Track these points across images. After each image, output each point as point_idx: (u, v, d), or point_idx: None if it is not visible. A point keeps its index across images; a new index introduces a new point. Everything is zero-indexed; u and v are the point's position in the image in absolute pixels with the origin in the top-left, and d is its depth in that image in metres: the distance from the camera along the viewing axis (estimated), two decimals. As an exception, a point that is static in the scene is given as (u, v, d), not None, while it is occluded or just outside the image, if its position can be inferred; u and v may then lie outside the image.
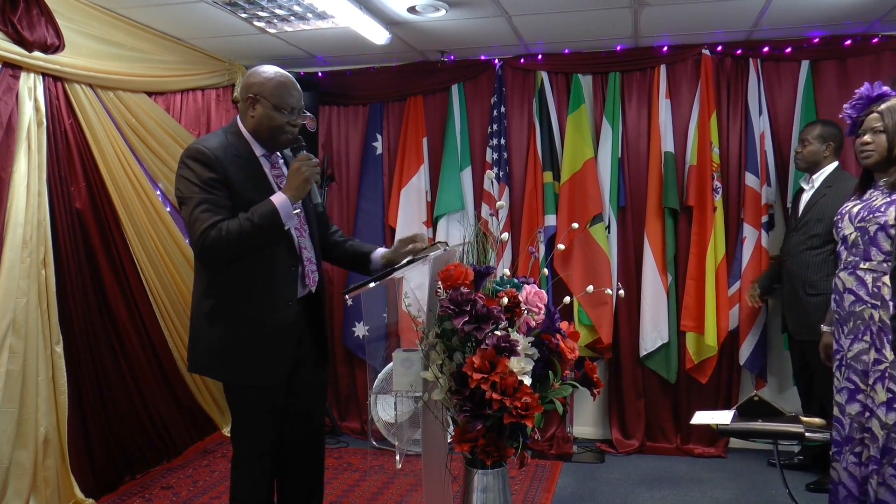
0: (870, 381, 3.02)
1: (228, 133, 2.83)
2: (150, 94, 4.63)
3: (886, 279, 2.98)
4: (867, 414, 3.02)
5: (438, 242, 2.90)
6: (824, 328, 3.51)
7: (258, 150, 2.84)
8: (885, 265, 2.99)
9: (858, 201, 3.17)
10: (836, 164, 4.35)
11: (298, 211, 2.83)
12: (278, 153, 2.94)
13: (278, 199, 2.69)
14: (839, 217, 3.24)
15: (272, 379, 2.82)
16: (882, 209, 3.01)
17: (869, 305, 3.04)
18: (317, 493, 3.12)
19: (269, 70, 2.83)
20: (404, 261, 2.69)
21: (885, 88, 3.20)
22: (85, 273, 4.12)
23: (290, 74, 2.87)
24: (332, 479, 4.57)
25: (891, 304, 2.94)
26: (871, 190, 3.15)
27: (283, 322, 2.81)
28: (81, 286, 4.09)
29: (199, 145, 2.74)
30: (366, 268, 3.09)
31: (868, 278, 3.05)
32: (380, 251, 3.08)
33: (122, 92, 4.35)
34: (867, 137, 3.11)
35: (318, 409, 3.13)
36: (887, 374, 2.95)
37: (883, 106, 3.09)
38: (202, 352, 2.82)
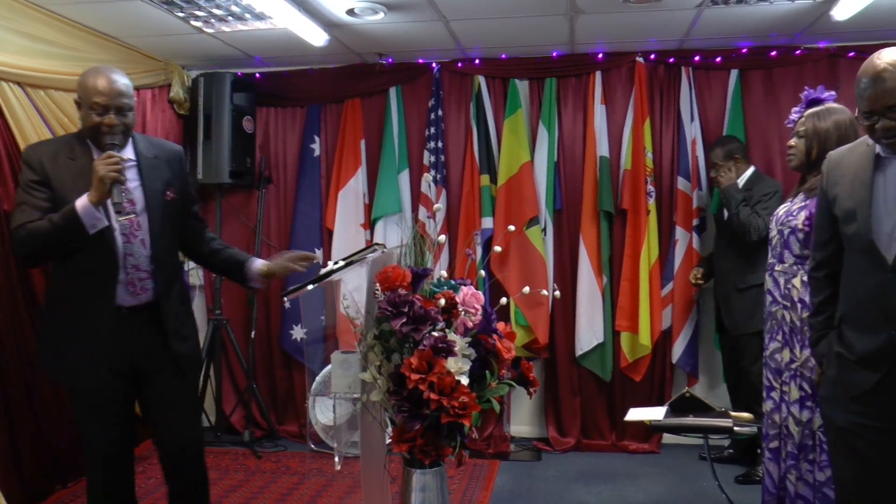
0: (783, 379, 3.14)
1: (75, 136, 2.88)
2: (82, 93, 4.52)
3: (795, 281, 3.10)
4: (782, 411, 3.14)
5: (376, 244, 2.92)
6: None
7: (97, 154, 2.78)
8: (794, 268, 3.11)
9: (788, 203, 3.28)
10: (752, 169, 4.59)
11: (130, 216, 2.78)
12: (133, 157, 2.87)
13: (80, 202, 2.64)
14: (771, 219, 3.35)
15: (83, 383, 2.83)
16: (795, 213, 3.14)
17: (781, 306, 3.17)
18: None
19: (89, 71, 2.82)
20: (342, 262, 2.70)
21: (827, 94, 3.28)
22: (14, 278, 3.99)
23: (109, 72, 2.79)
24: (271, 482, 4.55)
25: (799, 305, 3.08)
26: (800, 193, 3.25)
27: (98, 329, 2.79)
28: (10, 291, 3.96)
29: (28, 146, 2.91)
30: (241, 277, 3.12)
31: (781, 280, 3.18)
32: (258, 262, 3.09)
33: (53, 91, 4.24)
34: (792, 141, 3.25)
35: (184, 419, 3.08)
36: (799, 373, 3.07)
37: (808, 111, 3.20)
38: (39, 348, 2.99)
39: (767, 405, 3.21)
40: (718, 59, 5.00)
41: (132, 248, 2.81)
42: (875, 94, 2.19)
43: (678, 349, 5.02)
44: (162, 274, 2.89)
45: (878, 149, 2.30)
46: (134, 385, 2.94)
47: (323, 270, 2.71)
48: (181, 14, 4.23)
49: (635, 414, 3.78)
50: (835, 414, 2.41)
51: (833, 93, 3.29)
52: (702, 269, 4.79)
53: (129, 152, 2.86)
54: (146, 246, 2.85)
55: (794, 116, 3.35)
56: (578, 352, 5.10)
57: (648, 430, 4.99)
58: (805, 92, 3.35)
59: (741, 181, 4.51)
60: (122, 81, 2.78)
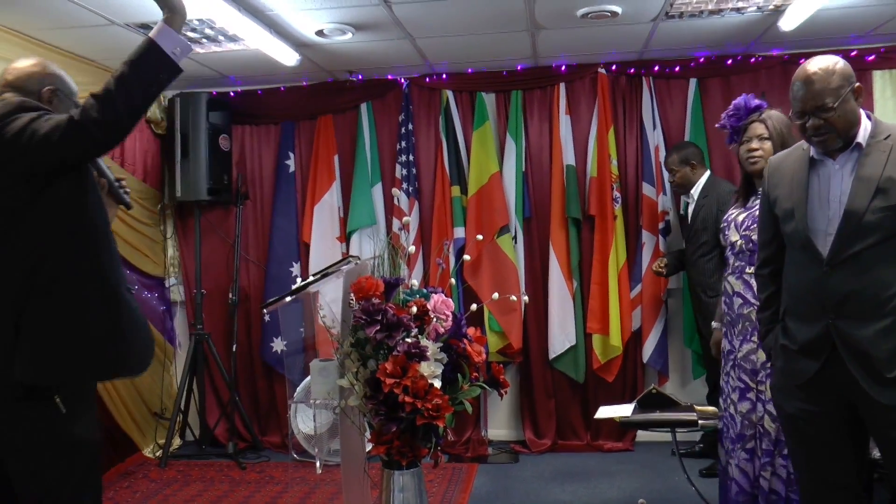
0: (759, 378, 3.23)
1: None
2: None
3: None
4: (759, 411, 3.23)
5: (351, 257, 3.04)
6: (714, 325, 3.75)
7: None
8: None
9: (743, 210, 3.36)
10: (707, 173, 4.70)
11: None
12: None
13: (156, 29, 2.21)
14: (725, 225, 3.43)
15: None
16: None
17: (755, 307, 3.22)
18: None
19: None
20: (319, 275, 2.82)
21: (758, 101, 3.46)
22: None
23: None
24: (255, 492, 4.64)
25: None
26: (754, 198, 3.34)
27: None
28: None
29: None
30: None
31: (753, 282, 3.22)
32: None
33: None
34: (754, 144, 3.30)
35: None
36: None
37: (764, 114, 3.33)
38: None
39: (744, 406, 3.26)
40: (677, 69, 5.19)
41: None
42: (806, 96, 2.39)
43: (648, 349, 5.17)
44: None
45: (812, 152, 2.50)
46: None
47: (299, 283, 2.83)
48: (156, 38, 4.33)
49: (605, 411, 3.91)
50: (784, 402, 2.59)
51: (760, 101, 3.46)
52: (665, 260, 4.86)
53: None
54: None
55: (729, 121, 3.49)
56: (552, 355, 5.24)
57: (622, 429, 5.13)
58: (739, 98, 3.47)
59: (698, 186, 4.64)
60: None
